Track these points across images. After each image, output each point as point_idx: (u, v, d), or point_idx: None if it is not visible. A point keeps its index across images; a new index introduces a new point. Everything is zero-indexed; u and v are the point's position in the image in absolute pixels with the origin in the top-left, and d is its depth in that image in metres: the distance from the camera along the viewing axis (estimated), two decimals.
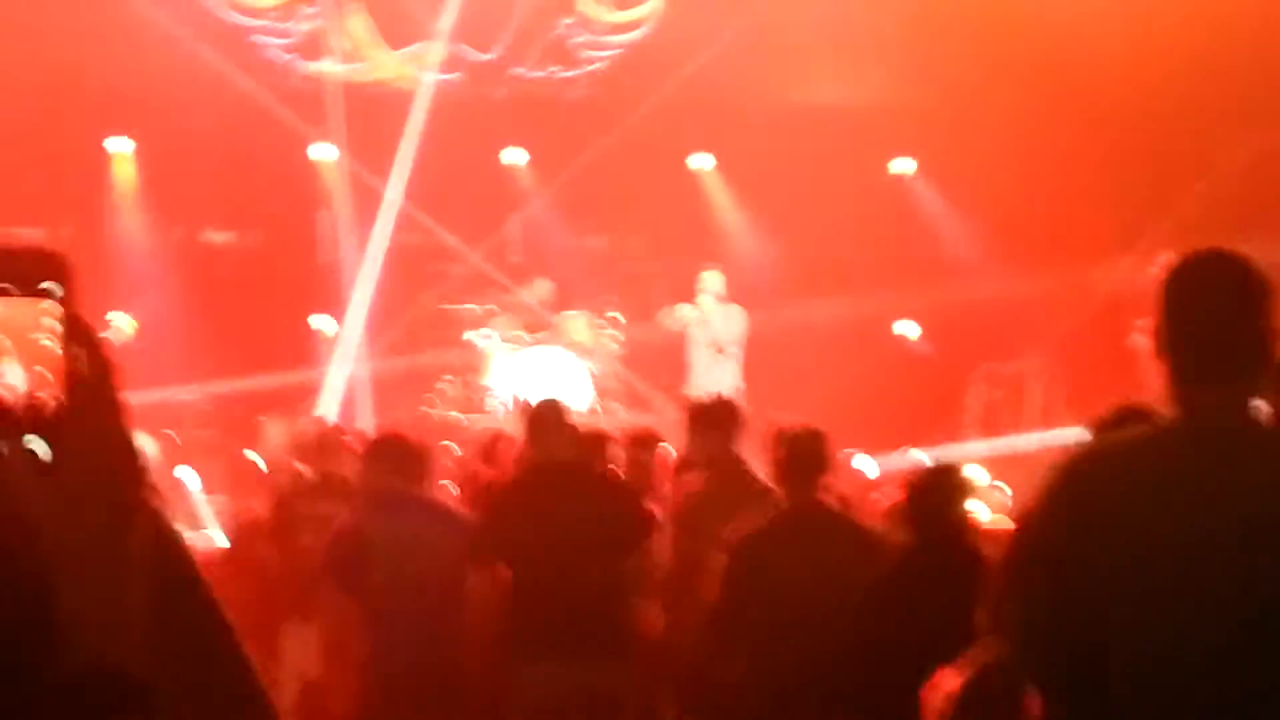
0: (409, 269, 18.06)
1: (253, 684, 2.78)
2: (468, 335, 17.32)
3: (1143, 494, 3.18)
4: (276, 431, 14.79)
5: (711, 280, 16.04)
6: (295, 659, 8.91)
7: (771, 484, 8.01)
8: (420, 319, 17.88)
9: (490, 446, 10.57)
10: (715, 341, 15.97)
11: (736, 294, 16.97)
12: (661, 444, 9.75)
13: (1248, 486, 3.15)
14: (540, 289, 16.66)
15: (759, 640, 7.06)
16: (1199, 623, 3.09)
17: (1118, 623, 3.13)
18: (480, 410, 16.80)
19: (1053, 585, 3.20)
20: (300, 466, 9.99)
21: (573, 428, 8.35)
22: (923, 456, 14.85)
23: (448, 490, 10.00)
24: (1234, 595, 3.09)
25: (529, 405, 8.90)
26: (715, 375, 16.10)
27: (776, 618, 6.91)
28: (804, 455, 7.22)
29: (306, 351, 17.42)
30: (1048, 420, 16.85)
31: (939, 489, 6.35)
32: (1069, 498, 3.25)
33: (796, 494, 7.18)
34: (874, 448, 14.15)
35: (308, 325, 17.60)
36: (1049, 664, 3.24)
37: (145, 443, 10.62)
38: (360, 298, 17.47)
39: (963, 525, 6.34)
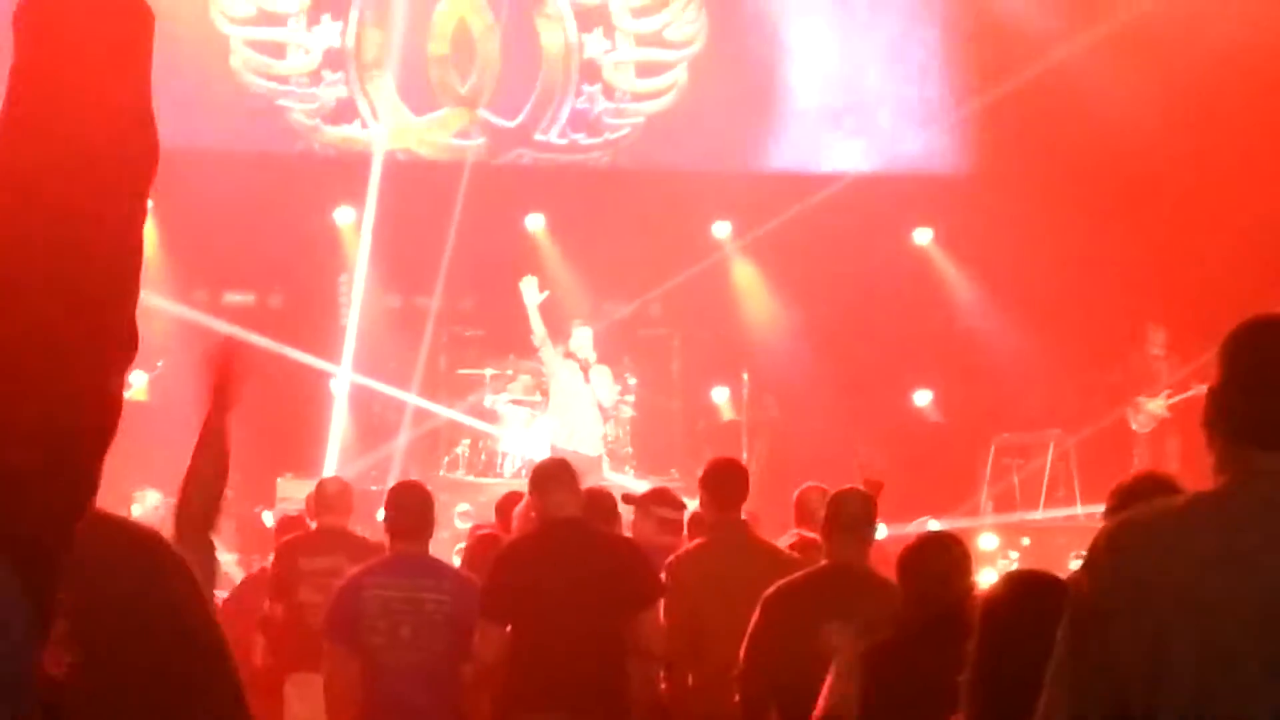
0: (422, 332, 18.11)
1: None
2: (488, 399, 17.39)
3: (1205, 561, 3.04)
4: (291, 490, 14.86)
5: (576, 336, 15.82)
6: (297, 710, 8.96)
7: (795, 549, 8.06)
8: (437, 382, 17.91)
9: (505, 507, 10.53)
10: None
11: (754, 362, 17.02)
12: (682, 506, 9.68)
13: None
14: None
15: (786, 702, 7.00)
16: (1261, 691, 2.98)
17: (1175, 692, 3.00)
18: (495, 474, 16.82)
19: (1106, 659, 3.05)
20: (307, 521, 10.05)
21: (579, 486, 8.34)
22: (939, 526, 14.85)
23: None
24: None
25: (536, 464, 8.92)
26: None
27: (805, 678, 6.82)
28: (848, 515, 7.21)
29: (325, 413, 17.45)
30: (1062, 491, 16.84)
31: (936, 558, 6.21)
32: (1125, 567, 3.09)
33: (836, 554, 7.14)
34: (890, 517, 14.10)
35: (327, 387, 17.63)
36: None
37: (153, 498, 10.67)
38: (350, 357, 17.55)
39: (962, 597, 6.17)
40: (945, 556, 6.19)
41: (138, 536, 2.74)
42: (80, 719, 2.51)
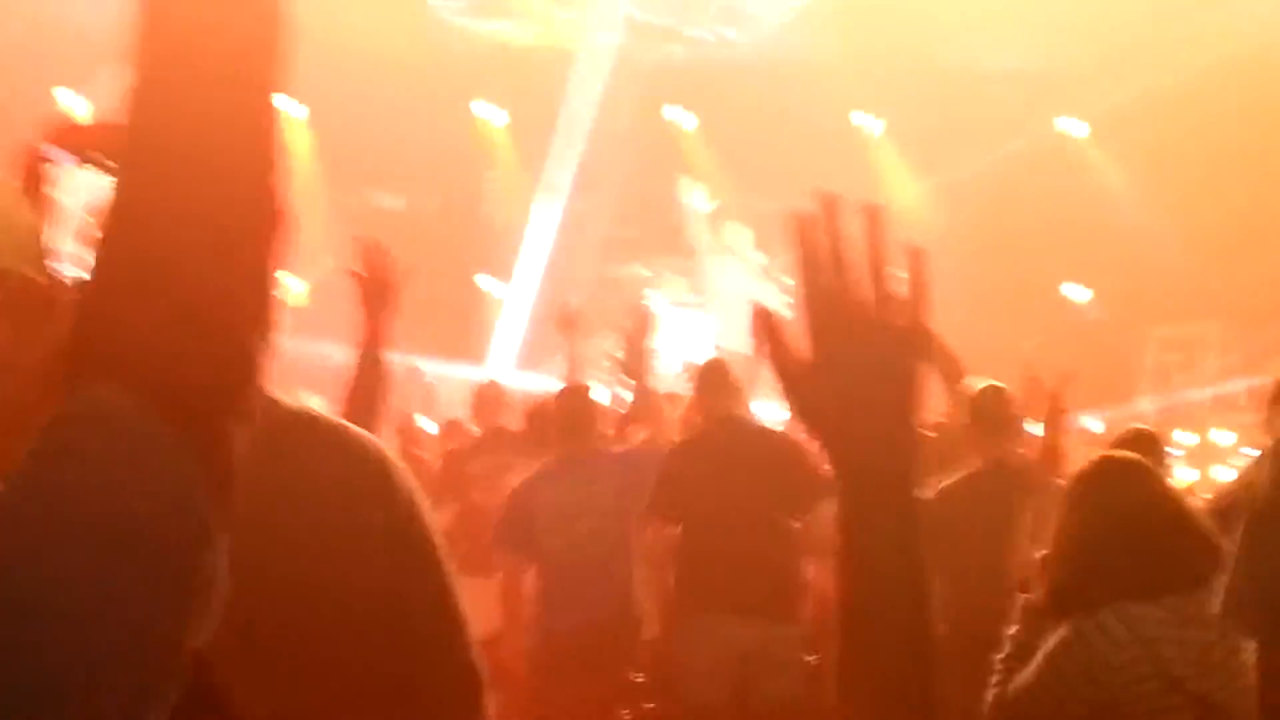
0: (578, 233, 18.13)
1: (467, 659, 2.63)
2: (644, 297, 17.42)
3: None
4: (447, 394, 14.95)
5: (734, 235, 15.78)
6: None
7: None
8: (590, 283, 17.94)
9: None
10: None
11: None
12: None
13: None
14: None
15: (951, 601, 6.93)
16: None
17: None
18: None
19: None
20: (470, 425, 10.10)
21: (741, 386, 8.30)
22: (1094, 420, 14.70)
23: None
24: None
25: (698, 365, 8.88)
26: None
27: (967, 576, 6.79)
28: (988, 414, 7.14)
29: (476, 315, 17.56)
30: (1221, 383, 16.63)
31: (1140, 449, 6.16)
32: None
33: (986, 452, 7.06)
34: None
35: (476, 286, 17.74)
36: None
37: (314, 404, 10.73)
38: (529, 260, 17.58)
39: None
40: (1142, 450, 6.15)
41: (363, 445, 2.58)
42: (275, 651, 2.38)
